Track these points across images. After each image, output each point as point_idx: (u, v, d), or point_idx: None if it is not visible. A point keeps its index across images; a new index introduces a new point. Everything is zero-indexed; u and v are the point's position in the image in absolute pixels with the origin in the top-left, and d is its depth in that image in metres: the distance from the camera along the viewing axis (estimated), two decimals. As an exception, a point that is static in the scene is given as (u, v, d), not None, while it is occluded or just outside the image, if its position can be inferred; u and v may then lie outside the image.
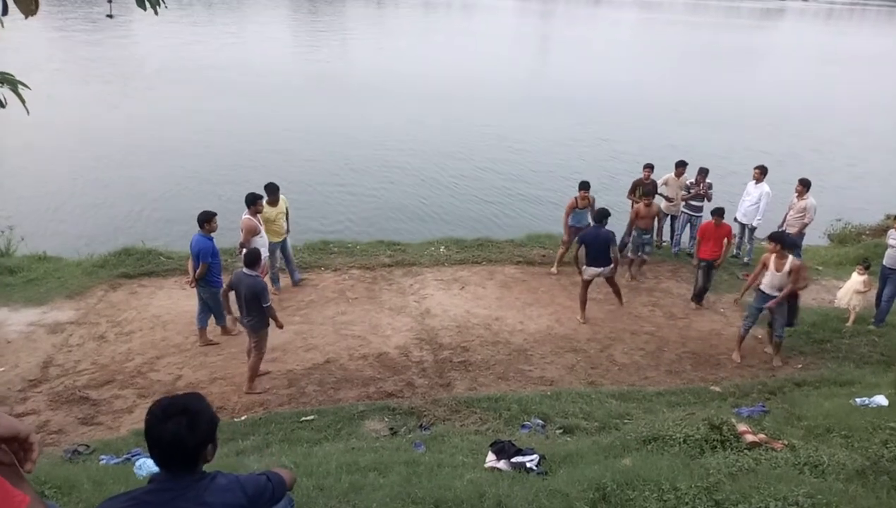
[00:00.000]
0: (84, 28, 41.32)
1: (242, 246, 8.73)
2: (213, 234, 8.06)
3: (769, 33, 67.59)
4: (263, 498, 2.41)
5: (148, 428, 2.16)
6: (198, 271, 7.85)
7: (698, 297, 10.09)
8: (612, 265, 9.25)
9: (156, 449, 2.17)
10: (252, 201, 8.70)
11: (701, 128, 24.63)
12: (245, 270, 7.06)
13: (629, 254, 11.03)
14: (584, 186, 10.69)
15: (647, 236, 10.82)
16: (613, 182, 16.35)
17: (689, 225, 11.78)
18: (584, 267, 9.26)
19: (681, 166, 11.66)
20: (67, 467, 5.18)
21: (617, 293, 9.73)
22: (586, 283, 9.36)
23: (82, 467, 5.20)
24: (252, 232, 8.63)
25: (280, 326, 7.40)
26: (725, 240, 9.79)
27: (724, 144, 21.87)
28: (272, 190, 9.23)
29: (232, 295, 7.36)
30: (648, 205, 10.64)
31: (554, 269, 11.06)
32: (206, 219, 7.92)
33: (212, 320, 8.40)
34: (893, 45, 58.08)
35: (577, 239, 9.50)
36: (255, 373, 7.40)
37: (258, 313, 7.06)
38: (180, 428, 2.12)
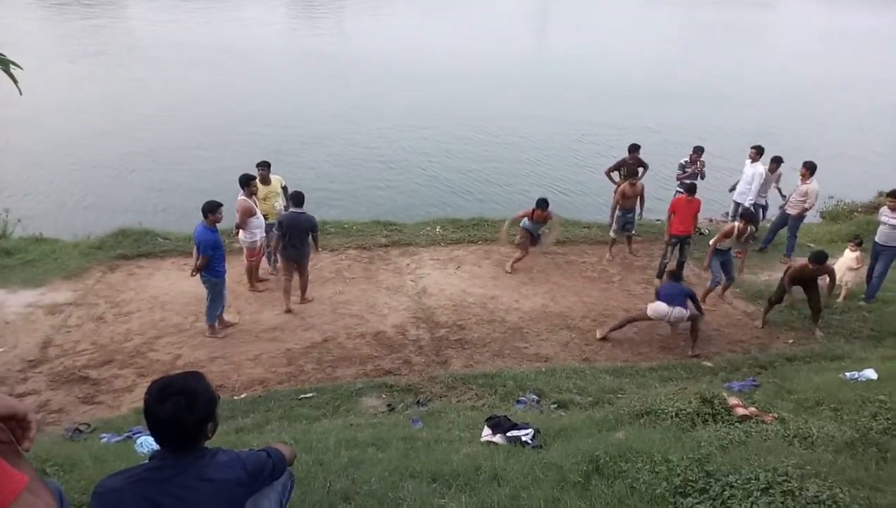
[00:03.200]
0: (79, 6, 40.72)
1: (238, 227, 8.77)
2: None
3: (769, 12, 67.03)
4: (264, 475, 2.45)
5: (146, 408, 2.18)
6: (198, 263, 7.71)
7: (662, 274, 9.97)
8: (687, 312, 8.06)
9: (155, 429, 2.20)
10: (245, 182, 8.67)
11: (688, 106, 24.54)
12: (294, 209, 8.40)
13: (613, 235, 10.91)
14: (542, 204, 9.90)
15: (631, 215, 10.77)
16: (605, 160, 16.35)
17: None
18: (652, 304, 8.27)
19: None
20: (69, 445, 5.23)
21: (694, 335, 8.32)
22: (641, 318, 8.47)
23: (83, 445, 5.25)
24: (247, 212, 8.64)
25: (318, 250, 9.11)
26: (696, 215, 9.88)
27: (711, 123, 21.77)
28: (262, 166, 9.25)
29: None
30: (633, 185, 10.61)
31: (508, 268, 10.26)
32: (210, 210, 7.62)
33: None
34: (890, 24, 57.68)
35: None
36: (306, 287, 8.94)
37: (307, 244, 8.53)
38: (178, 408, 2.14)
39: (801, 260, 8.85)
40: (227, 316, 8.40)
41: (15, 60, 5.31)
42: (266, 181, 9.25)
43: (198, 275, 7.89)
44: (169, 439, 2.22)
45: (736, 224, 9.08)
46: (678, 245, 9.88)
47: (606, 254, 10.94)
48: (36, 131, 17.88)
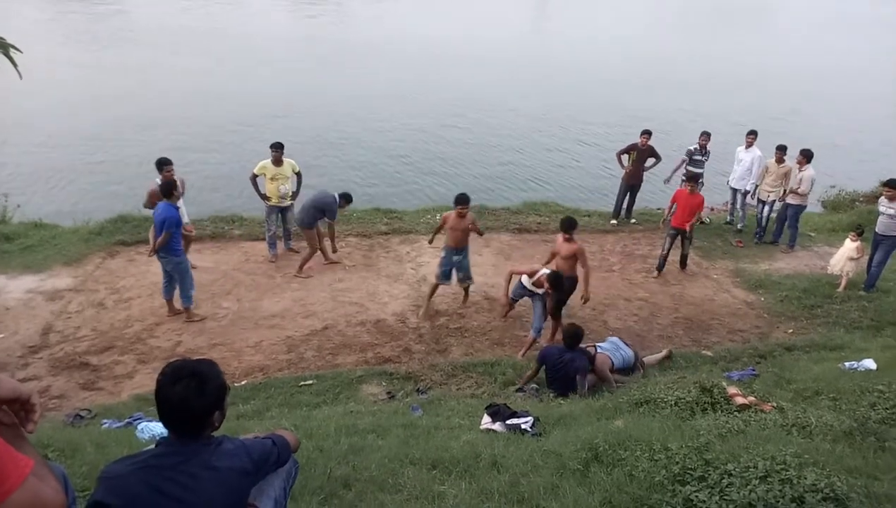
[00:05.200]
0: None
1: (146, 206, 8.71)
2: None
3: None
4: (269, 462, 2.45)
5: (158, 389, 2.20)
6: (159, 240, 7.63)
7: (662, 266, 9.97)
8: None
9: (164, 411, 2.22)
10: (158, 166, 8.62)
11: (681, 94, 24.47)
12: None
13: (436, 280, 8.43)
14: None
15: (458, 257, 8.27)
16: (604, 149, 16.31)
17: None
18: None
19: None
20: (70, 431, 5.23)
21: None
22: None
23: (84, 431, 5.24)
24: (153, 195, 8.42)
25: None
26: (696, 212, 9.63)
27: (700, 111, 21.70)
28: (275, 147, 9.27)
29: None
30: (462, 216, 7.99)
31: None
32: (172, 188, 7.76)
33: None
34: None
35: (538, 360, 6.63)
36: (305, 263, 9.35)
37: (313, 217, 9.05)
38: (188, 391, 2.16)
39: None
40: (225, 304, 8.38)
41: (14, 44, 5.28)
42: (278, 163, 9.26)
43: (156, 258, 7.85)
44: (176, 423, 2.23)
45: (544, 270, 7.53)
46: (675, 236, 9.84)
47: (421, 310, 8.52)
48: (35, 116, 17.80)
